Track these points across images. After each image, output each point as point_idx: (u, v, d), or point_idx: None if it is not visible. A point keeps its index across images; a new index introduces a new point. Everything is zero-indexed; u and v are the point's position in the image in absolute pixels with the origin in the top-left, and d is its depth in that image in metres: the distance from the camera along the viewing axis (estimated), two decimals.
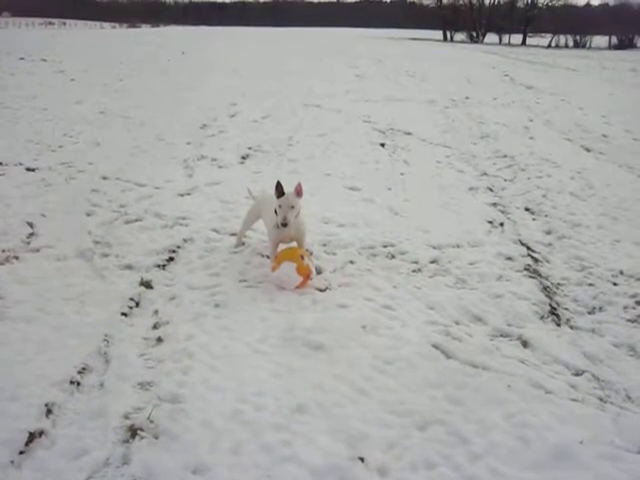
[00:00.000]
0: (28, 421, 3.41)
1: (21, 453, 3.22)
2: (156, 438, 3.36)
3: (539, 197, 8.04)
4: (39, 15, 69.70)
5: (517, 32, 57.93)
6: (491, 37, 58.33)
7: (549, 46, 52.84)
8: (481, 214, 7.26)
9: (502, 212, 7.40)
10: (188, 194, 7.44)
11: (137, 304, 4.88)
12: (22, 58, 22.74)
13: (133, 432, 3.40)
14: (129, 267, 5.50)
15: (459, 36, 58.93)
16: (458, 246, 6.24)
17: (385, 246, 6.11)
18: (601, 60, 36.69)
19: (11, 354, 4.08)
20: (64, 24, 66.17)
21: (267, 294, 5.04)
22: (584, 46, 55.55)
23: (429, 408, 3.73)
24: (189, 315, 4.69)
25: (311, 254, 5.70)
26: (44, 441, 3.33)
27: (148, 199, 7.16)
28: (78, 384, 3.82)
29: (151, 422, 3.46)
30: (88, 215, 6.61)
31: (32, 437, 3.32)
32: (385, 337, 4.48)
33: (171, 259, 5.68)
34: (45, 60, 22.33)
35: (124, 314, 4.69)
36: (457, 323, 4.77)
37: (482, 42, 54.96)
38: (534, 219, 7.25)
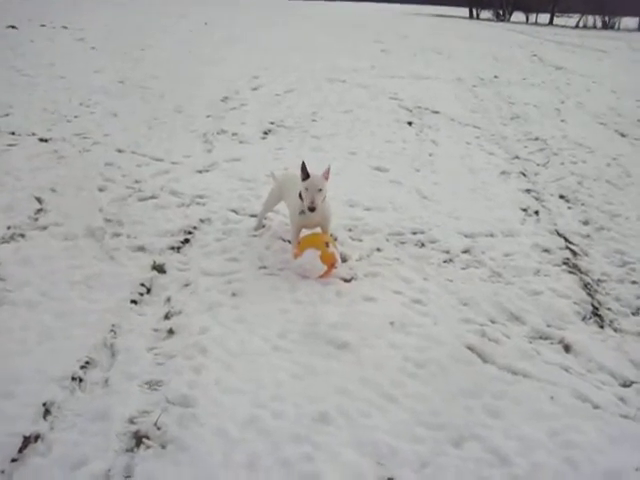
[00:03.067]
0: (23, 423, 3.08)
1: (13, 461, 2.88)
2: (163, 447, 3.01)
3: (574, 184, 7.59)
4: None
5: (544, 11, 56.71)
6: (518, 16, 57.16)
7: (577, 26, 51.67)
8: (514, 201, 6.83)
9: (536, 199, 6.96)
10: (207, 171, 7.05)
11: (148, 290, 4.53)
12: (43, 25, 22.29)
13: (138, 439, 3.05)
14: (141, 249, 5.14)
15: (485, 14, 57.83)
16: (492, 235, 5.83)
17: (414, 233, 5.71)
18: (630, 42, 35.73)
19: (10, 344, 3.74)
20: None
21: (288, 283, 4.67)
22: (612, 27, 54.24)
23: (465, 421, 3.35)
24: (204, 304, 4.34)
25: (335, 240, 5.31)
26: (40, 447, 2.99)
27: (164, 175, 6.78)
28: (80, 380, 3.48)
29: (158, 429, 3.11)
30: (100, 190, 6.25)
31: (27, 442, 2.99)
32: (415, 336, 4.10)
33: (186, 241, 5.32)
34: (66, 27, 21.86)
35: (134, 301, 4.35)
36: (493, 322, 4.39)
37: (509, 20, 53.87)
38: (570, 207, 6.81)
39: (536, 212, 6.53)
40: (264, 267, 4.90)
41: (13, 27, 20.69)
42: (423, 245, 5.50)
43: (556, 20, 56.05)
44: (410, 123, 10.12)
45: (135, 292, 4.45)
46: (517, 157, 8.59)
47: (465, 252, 5.44)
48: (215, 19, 28.42)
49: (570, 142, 9.61)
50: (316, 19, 35.40)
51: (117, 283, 4.56)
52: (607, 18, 55.01)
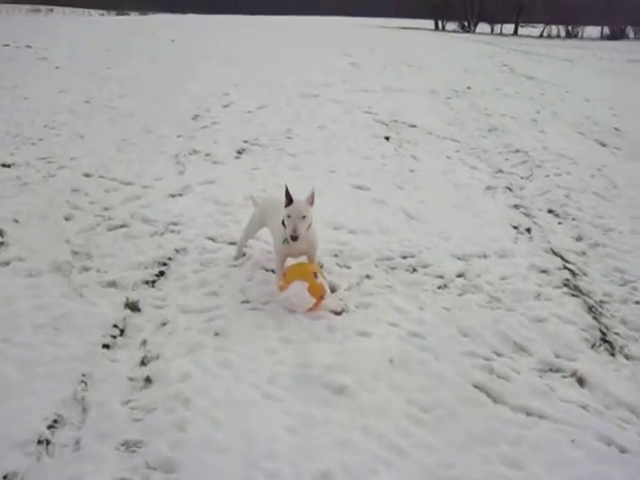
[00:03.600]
0: None
1: None
2: None
3: (562, 197, 7.31)
4: (26, 2, 68.20)
5: (509, 22, 57.11)
6: (483, 27, 57.49)
7: (541, 36, 52.09)
8: (504, 217, 6.52)
9: (526, 215, 6.66)
10: (180, 195, 6.64)
11: (122, 332, 4.11)
12: (7, 45, 21.76)
13: None
14: (113, 284, 4.72)
15: (450, 25, 58.08)
16: (485, 256, 5.50)
17: (404, 257, 5.36)
18: (595, 50, 35.97)
19: None
20: (51, 11, 64.68)
21: (274, 319, 4.28)
22: (576, 36, 54.75)
23: (482, 474, 3.00)
24: (183, 347, 3.94)
25: (322, 267, 4.93)
26: None
27: (135, 201, 6.36)
28: (47, 444, 3.06)
29: None
30: (67, 220, 5.82)
31: None
32: (418, 375, 3.74)
33: (161, 274, 4.90)
34: (30, 47, 21.35)
35: (106, 346, 3.93)
36: (498, 355, 4.04)
37: (474, 32, 54.14)
38: (560, 223, 6.52)
39: (528, 229, 6.23)
40: (247, 301, 4.51)
41: None
42: (415, 270, 5.15)
43: (520, 30, 56.49)
44: (387, 138, 9.81)
45: (107, 334, 4.04)
46: (501, 171, 8.30)
47: (460, 276, 5.10)
48: (183, 37, 28.06)
49: (552, 153, 9.36)
50: (283, 33, 35.18)
51: (87, 325, 4.14)
52: (570, 28, 55.52)
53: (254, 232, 5.10)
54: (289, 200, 4.30)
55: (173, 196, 6.59)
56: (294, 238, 4.21)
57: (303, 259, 4.64)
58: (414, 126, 10.77)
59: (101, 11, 66.02)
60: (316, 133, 9.86)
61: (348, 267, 5.12)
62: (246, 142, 9.09)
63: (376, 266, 5.16)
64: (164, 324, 4.22)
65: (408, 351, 3.99)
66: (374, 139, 9.68)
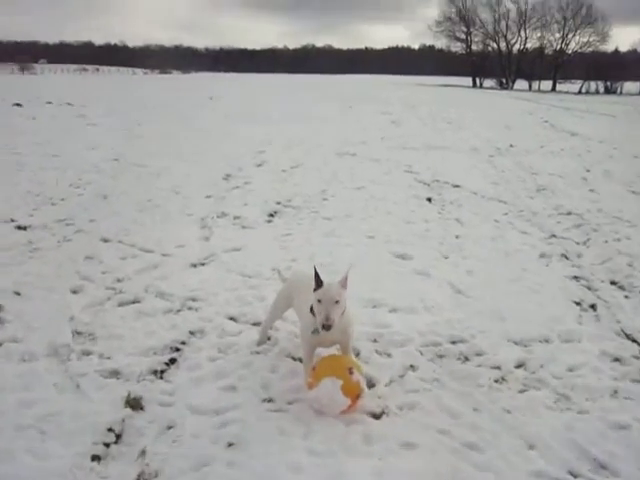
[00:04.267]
0: None
1: None
2: None
3: (625, 266, 6.49)
4: (74, 62, 69.87)
5: (546, 78, 56.62)
6: (520, 83, 57.06)
7: (579, 92, 51.41)
8: (564, 291, 5.72)
9: (588, 288, 5.86)
10: (202, 264, 5.99)
11: (118, 437, 3.41)
12: (49, 102, 21.79)
13: None
14: (115, 373, 4.03)
15: (488, 82, 57.75)
16: (547, 341, 4.71)
17: (454, 342, 4.59)
18: (637, 106, 35.17)
19: None
20: (97, 70, 66.06)
21: (300, 424, 3.54)
22: (615, 92, 53.97)
23: None
24: (190, 460, 3.22)
25: (358, 355, 4.20)
26: None
27: (152, 271, 5.72)
28: None
29: None
30: (74, 293, 5.19)
31: None
32: None
33: (172, 361, 4.20)
34: (71, 104, 21.31)
35: (96, 457, 3.22)
36: (574, 475, 3.23)
37: (512, 88, 53.70)
38: (627, 297, 5.70)
39: (592, 306, 5.43)
40: (269, 400, 3.77)
41: (18, 105, 20.16)
42: (467, 359, 4.37)
43: (558, 86, 55.91)
44: (430, 199, 9.11)
45: (100, 441, 3.34)
46: (554, 235, 7.51)
47: (519, 366, 4.32)
48: (220, 93, 27.93)
49: (607, 216, 8.54)
50: (320, 92, 35.03)
51: (78, 427, 3.45)
52: (609, 83, 54.79)
53: (281, 313, 4.40)
54: (319, 283, 3.60)
55: (195, 266, 5.94)
56: (326, 327, 3.50)
57: (335, 348, 3.90)
58: (457, 186, 10.07)
59: (145, 70, 67.17)
60: (354, 194, 9.21)
61: (389, 355, 4.36)
62: (279, 204, 8.47)
63: (421, 354, 4.40)
64: (170, 427, 3.51)
65: (463, 470, 3.21)
66: (415, 200, 8.99)
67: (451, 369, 4.22)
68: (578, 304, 5.47)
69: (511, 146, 14.90)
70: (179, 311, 4.91)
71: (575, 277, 6.15)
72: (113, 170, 10.11)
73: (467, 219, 8.11)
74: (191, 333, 4.55)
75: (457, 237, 7.30)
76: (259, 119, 17.91)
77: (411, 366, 4.23)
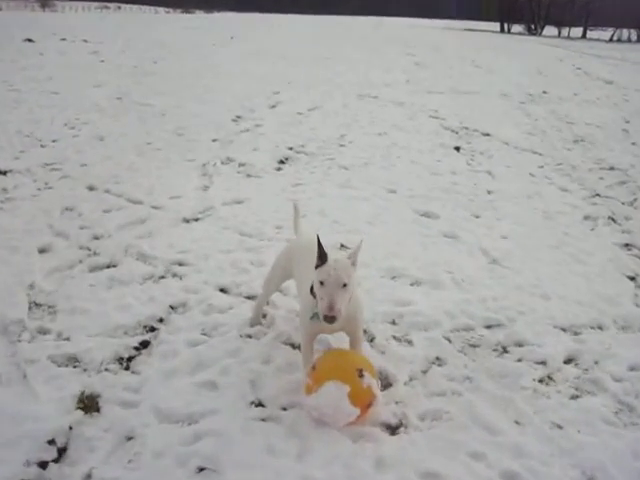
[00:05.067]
0: None
1: None
2: None
3: None
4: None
5: (576, 25, 54.30)
6: (549, 30, 54.79)
7: (611, 40, 49.21)
8: (615, 263, 4.83)
9: None
10: (196, 219, 5.13)
11: (60, 453, 2.60)
12: (64, 39, 20.76)
13: None
14: (72, 360, 3.23)
15: (516, 28, 55.52)
16: (600, 328, 3.84)
17: (489, 326, 3.73)
18: None
19: None
20: (119, 8, 64.43)
21: (295, 438, 2.73)
22: None
23: None
24: None
25: (372, 341, 3.36)
26: None
27: (137, 227, 4.88)
28: None
29: None
30: (42, 252, 4.36)
31: None
32: None
33: (144, 345, 3.39)
34: (86, 41, 20.26)
35: None
36: None
37: (540, 34, 51.59)
38: None
39: None
40: (258, 403, 2.94)
41: (30, 40, 19.23)
42: (505, 351, 3.51)
43: (589, 34, 53.65)
44: (458, 148, 8.15)
45: (34, 461, 2.54)
46: (597, 194, 6.57)
47: (569, 362, 3.46)
48: (243, 33, 26.70)
49: None
50: (343, 32, 33.59)
51: (14, 436, 2.66)
52: None
53: (277, 285, 3.55)
54: (322, 258, 2.72)
55: (187, 221, 5.08)
56: (329, 319, 2.63)
57: (342, 342, 3.06)
58: (487, 135, 9.07)
59: (167, 9, 65.42)
60: (374, 140, 8.25)
61: (409, 342, 3.51)
62: (291, 149, 7.55)
63: (449, 341, 3.54)
64: (129, 438, 2.71)
65: None
66: (442, 149, 8.03)
67: (486, 364, 3.36)
68: (632, 279, 4.58)
69: (544, 93, 13.76)
70: (161, 278, 4.08)
71: (626, 245, 5.24)
72: (114, 109, 9.21)
73: (499, 172, 7.17)
74: (172, 308, 3.72)
75: (489, 193, 6.38)
76: (278, 59, 16.80)
77: (437, 359, 3.38)
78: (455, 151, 8.02)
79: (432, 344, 3.49)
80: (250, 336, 3.46)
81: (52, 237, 4.59)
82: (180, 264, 4.26)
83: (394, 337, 3.54)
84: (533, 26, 54.24)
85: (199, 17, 50.81)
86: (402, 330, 3.62)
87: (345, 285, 2.67)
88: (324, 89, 12.13)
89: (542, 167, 7.59)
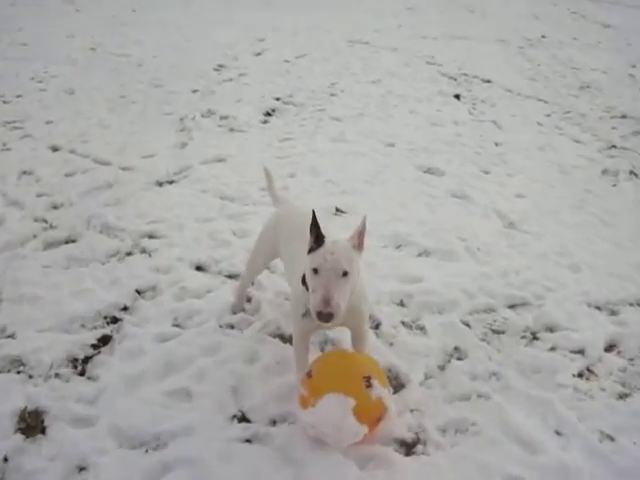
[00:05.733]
0: None
1: None
2: None
3: None
4: None
5: None
6: None
7: None
8: None
9: None
10: (171, 181, 4.49)
11: None
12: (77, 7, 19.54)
13: None
14: (16, 364, 2.64)
15: None
16: None
17: (513, 306, 3.15)
18: None
19: None
20: None
21: (286, 463, 2.18)
22: None
23: None
24: None
25: (377, 327, 2.78)
26: None
27: (103, 192, 4.25)
28: None
29: None
30: None
31: None
32: None
33: (104, 342, 2.78)
34: (77, 9, 19.13)
35: None
36: None
37: None
38: None
39: None
40: (241, 417, 2.37)
41: None
42: (535, 337, 2.94)
43: None
44: (458, 96, 7.46)
45: None
46: (613, 146, 5.94)
47: (611, 349, 2.89)
48: None
49: None
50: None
51: None
52: None
53: (262, 265, 2.94)
54: (318, 239, 2.11)
55: (160, 184, 4.44)
56: (324, 317, 2.02)
57: (343, 340, 2.47)
58: (488, 81, 8.37)
59: None
60: (368, 89, 7.55)
61: (421, 329, 2.93)
62: (278, 100, 6.86)
63: (469, 326, 2.96)
64: (81, 469, 2.12)
65: None
66: (441, 97, 7.35)
67: (515, 356, 2.79)
68: None
69: (543, 37, 12.99)
70: (128, 255, 3.46)
71: None
72: (87, 61, 8.44)
73: (505, 122, 6.52)
74: (138, 292, 3.11)
75: (497, 145, 5.75)
76: (262, 5, 15.88)
77: (456, 350, 2.81)
78: (455, 99, 7.34)
79: (449, 330, 2.91)
80: (232, 326, 2.87)
81: (4, 207, 3.96)
82: (150, 236, 3.65)
83: (403, 323, 2.96)
84: None
85: None
86: (412, 313, 3.03)
87: (346, 274, 2.06)
88: (312, 35, 11.33)
89: (549, 115, 6.94)
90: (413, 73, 8.50)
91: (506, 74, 8.90)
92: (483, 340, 2.87)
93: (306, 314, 2.21)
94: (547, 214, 4.23)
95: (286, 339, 2.75)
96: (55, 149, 5.08)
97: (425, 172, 4.89)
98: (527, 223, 4.06)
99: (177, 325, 2.87)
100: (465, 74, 8.67)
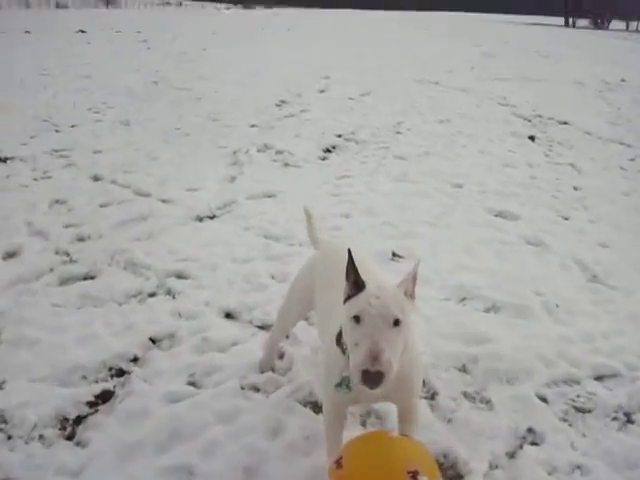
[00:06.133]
0: None
1: None
2: None
3: None
4: None
5: None
6: (616, 24, 52.27)
7: None
8: None
9: None
10: (212, 217, 4.06)
11: None
12: (119, 31, 20.03)
13: None
14: None
15: (581, 22, 53.11)
16: None
17: (600, 378, 2.57)
18: None
19: None
20: (180, 5, 64.01)
21: None
22: None
23: None
24: None
25: (432, 398, 2.25)
26: None
27: (137, 224, 3.85)
28: None
29: None
30: (7, 258, 3.34)
31: None
32: None
33: (104, 398, 2.33)
34: (139, 32, 19.49)
35: None
36: None
37: (607, 28, 49.22)
38: None
39: None
40: None
41: (82, 31, 18.59)
42: (629, 420, 2.35)
43: None
44: (533, 138, 6.91)
45: None
46: None
47: None
48: (300, 26, 25.58)
49: None
50: (400, 26, 32.21)
51: None
52: None
53: (297, 317, 2.44)
54: (356, 284, 1.62)
55: (200, 219, 4.02)
56: (370, 382, 1.50)
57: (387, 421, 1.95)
58: (565, 123, 7.80)
59: (228, 5, 64.71)
60: (436, 128, 7.08)
61: (487, 402, 2.37)
62: (339, 137, 6.45)
63: (546, 402, 2.38)
64: None
65: None
66: (514, 138, 6.82)
67: (605, 443, 2.20)
68: None
69: (623, 81, 12.33)
70: (150, 296, 3.01)
71: None
72: (147, 93, 8.23)
73: (585, 165, 5.94)
74: (152, 342, 2.65)
75: (575, 189, 5.17)
76: (331, 46, 15.67)
77: (529, 432, 2.24)
78: (530, 141, 6.79)
79: (521, 406, 2.35)
80: (256, 389, 2.37)
81: (26, 237, 3.59)
82: (179, 276, 3.20)
83: (465, 394, 2.41)
84: (600, 20, 51.77)
85: (260, 12, 49.97)
86: (477, 382, 2.48)
87: (397, 322, 1.55)
88: (379, 73, 10.96)
89: (633, 160, 6.32)
90: (485, 114, 8.02)
91: (584, 116, 8.32)
92: (564, 420, 2.30)
93: (341, 385, 1.71)
94: (636, 267, 3.62)
95: (319, 408, 2.24)
96: (96, 179, 4.75)
97: (495, 216, 4.35)
98: (614, 277, 3.46)
99: (192, 383, 2.39)
100: (540, 115, 8.14)
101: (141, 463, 2.00)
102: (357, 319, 1.57)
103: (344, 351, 1.68)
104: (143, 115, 7.00)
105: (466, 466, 2.04)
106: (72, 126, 6.45)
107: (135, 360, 2.52)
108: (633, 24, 52.25)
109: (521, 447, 2.15)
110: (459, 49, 16.95)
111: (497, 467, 2.06)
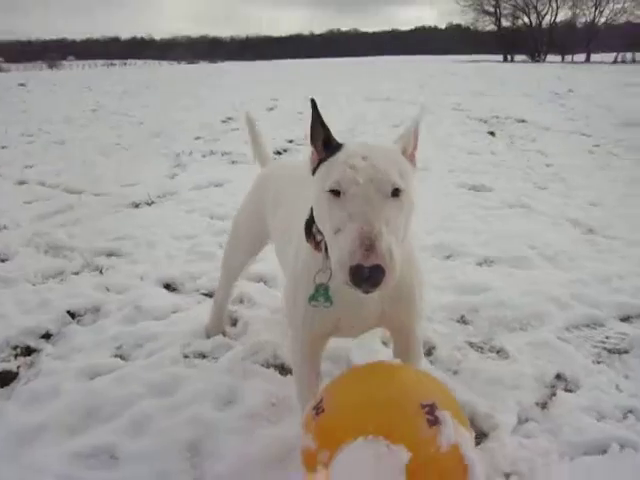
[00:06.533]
0: None
1: None
2: None
3: None
4: (102, 57, 67.96)
5: (579, 51, 53.05)
6: (552, 58, 53.65)
7: (615, 62, 47.96)
8: None
9: None
10: (150, 203, 3.51)
11: None
12: (22, 84, 19.27)
13: None
14: None
15: (519, 57, 54.40)
16: None
17: (627, 318, 2.05)
18: None
19: None
20: (125, 64, 63.93)
21: None
22: None
23: None
24: None
25: (430, 354, 1.71)
26: None
27: (63, 214, 3.28)
28: None
29: None
30: None
31: None
32: None
33: (6, 380, 1.74)
34: (90, 88, 18.94)
35: None
36: None
37: (544, 61, 50.43)
38: None
39: None
40: None
41: (22, 85, 17.93)
42: None
43: (593, 57, 52.43)
44: (493, 133, 6.55)
45: None
46: None
47: None
48: (252, 70, 25.32)
49: None
50: (347, 72, 32.32)
51: None
52: None
53: (246, 254, 1.88)
54: (327, 141, 1.11)
55: (137, 205, 3.47)
56: (367, 282, 0.97)
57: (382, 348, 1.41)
58: (523, 121, 7.47)
59: (171, 61, 64.80)
60: (390, 131, 6.64)
61: (499, 352, 1.87)
62: (291, 142, 5.98)
63: (573, 345, 1.87)
64: None
65: None
66: (475, 134, 6.45)
67: None
68: None
69: (570, 91, 12.20)
70: (73, 274, 2.44)
71: None
72: (85, 119, 7.72)
73: (552, 150, 5.54)
74: (71, 315, 2.10)
75: (548, 166, 4.76)
76: (277, 80, 15.36)
77: (559, 378, 1.71)
78: (490, 135, 6.40)
79: (542, 353, 1.84)
80: (203, 355, 1.82)
81: None
82: (109, 254, 2.64)
83: (471, 344, 1.88)
84: (537, 53, 53.05)
85: (203, 67, 50.05)
86: (482, 332, 1.97)
87: (398, 192, 1.05)
88: (327, 97, 10.60)
89: (598, 146, 5.95)
90: (439, 118, 7.63)
91: (541, 115, 8.05)
92: (598, 362, 1.79)
93: (317, 294, 1.18)
94: (632, 223, 3.17)
95: (287, 370, 1.69)
96: (22, 183, 4.18)
97: (470, 189, 3.89)
98: (611, 229, 3.01)
99: (119, 356, 1.83)
100: (497, 116, 7.84)
101: (46, 449, 1.43)
102: (336, 193, 1.05)
103: (319, 246, 1.16)
104: (79, 136, 6.45)
105: (489, 420, 1.51)
106: (3, 147, 5.87)
107: (47, 337, 1.95)
108: (568, 57, 53.61)
109: (554, 395, 1.63)
110: (406, 82, 16.82)
111: (528, 420, 1.54)
